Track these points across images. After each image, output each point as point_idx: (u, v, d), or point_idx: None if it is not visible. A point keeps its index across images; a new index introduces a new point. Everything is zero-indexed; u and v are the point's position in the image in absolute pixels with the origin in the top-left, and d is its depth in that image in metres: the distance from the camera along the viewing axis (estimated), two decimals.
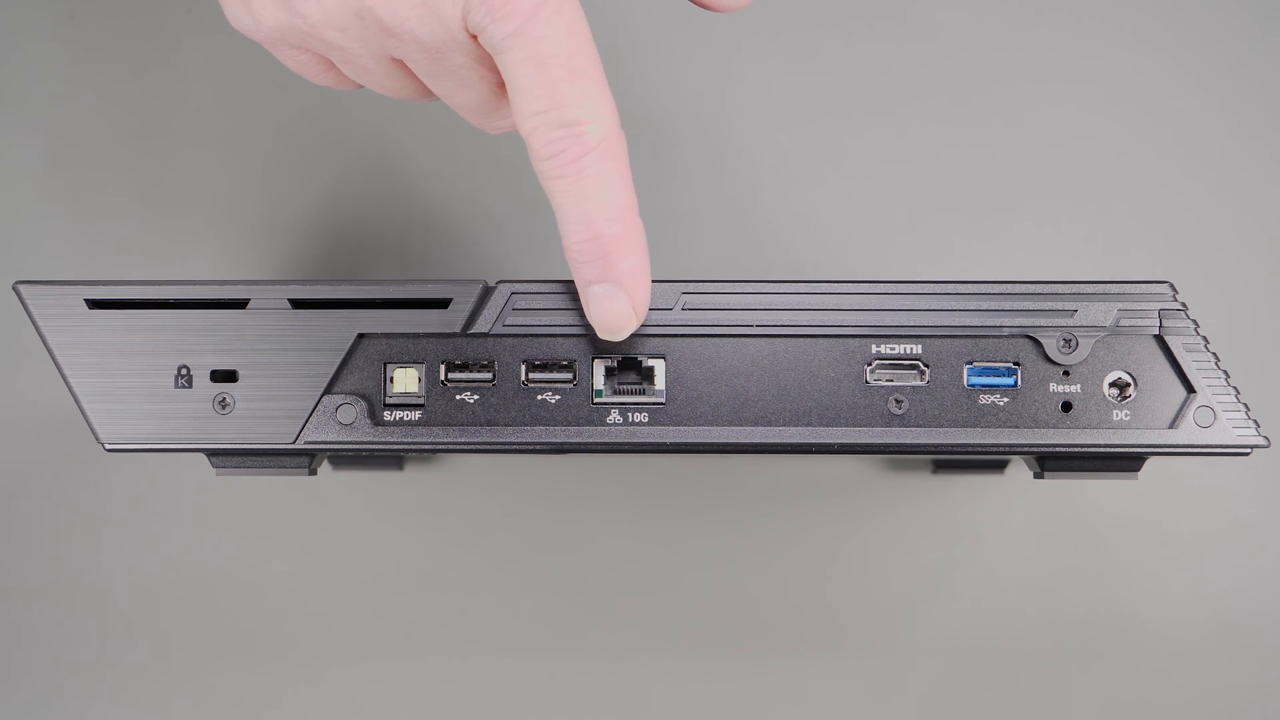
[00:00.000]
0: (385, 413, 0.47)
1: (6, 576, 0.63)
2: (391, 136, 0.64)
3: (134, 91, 0.64)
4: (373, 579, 0.63)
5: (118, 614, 0.63)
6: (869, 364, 0.47)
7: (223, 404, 0.47)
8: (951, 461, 0.61)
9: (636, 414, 0.47)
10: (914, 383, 0.47)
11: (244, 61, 0.63)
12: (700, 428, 0.47)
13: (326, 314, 0.47)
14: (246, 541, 0.63)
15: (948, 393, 0.47)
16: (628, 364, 0.48)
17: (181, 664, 0.63)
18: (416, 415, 0.47)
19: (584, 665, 0.63)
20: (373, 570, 0.63)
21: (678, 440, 0.47)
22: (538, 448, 0.47)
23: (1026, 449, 0.47)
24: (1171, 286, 0.47)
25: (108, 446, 0.47)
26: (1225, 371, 0.47)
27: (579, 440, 0.47)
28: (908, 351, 0.47)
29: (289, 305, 0.47)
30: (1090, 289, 0.47)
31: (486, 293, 0.47)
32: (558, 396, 0.47)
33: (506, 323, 0.47)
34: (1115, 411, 0.47)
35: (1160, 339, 0.47)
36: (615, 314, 0.45)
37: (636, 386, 0.48)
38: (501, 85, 0.46)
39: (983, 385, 0.47)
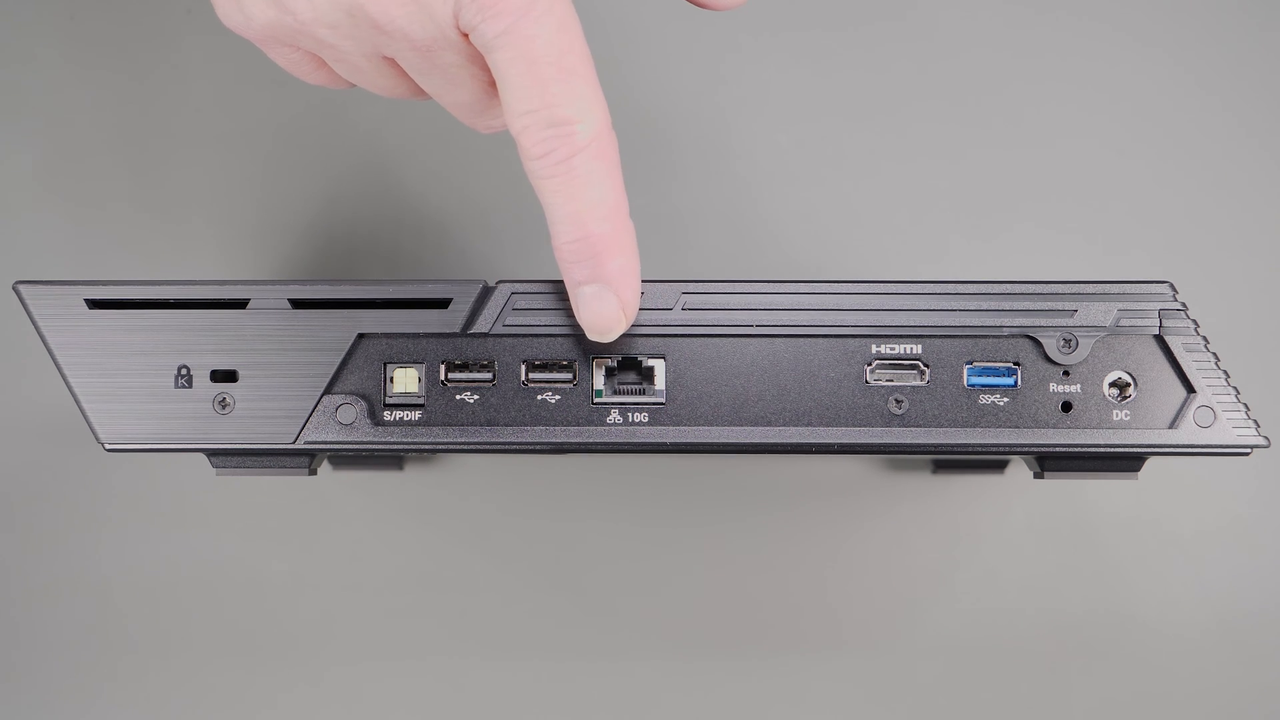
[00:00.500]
0: (385, 413, 0.47)
1: (6, 576, 0.63)
2: (391, 137, 0.64)
3: (134, 91, 0.64)
4: (373, 579, 0.63)
5: (118, 614, 0.63)
6: (869, 364, 0.47)
7: (223, 404, 0.47)
8: (951, 461, 0.61)
9: (636, 414, 0.47)
10: (914, 383, 0.47)
11: (244, 61, 0.63)
12: (700, 428, 0.47)
13: (326, 314, 0.47)
14: (246, 541, 0.63)
15: (948, 393, 0.47)
16: (628, 364, 0.48)
17: (181, 664, 0.63)
18: (416, 415, 0.47)
19: (584, 665, 0.63)
20: (373, 570, 0.63)
21: (678, 440, 0.47)
22: (538, 448, 0.47)
23: (1026, 449, 0.47)
24: (1171, 286, 0.47)
25: (108, 446, 0.47)
26: (1225, 371, 0.47)
27: (579, 440, 0.47)
28: (908, 351, 0.47)
29: (289, 305, 0.47)
30: (1090, 289, 0.47)
31: (486, 293, 0.47)
32: (558, 396, 0.47)
33: (506, 323, 0.47)
34: (1115, 411, 0.47)
35: (1160, 339, 0.47)
36: (604, 315, 0.45)
37: (636, 386, 0.48)
38: (493, 84, 0.45)
39: (983, 385, 0.47)
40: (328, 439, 0.47)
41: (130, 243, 0.63)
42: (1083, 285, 0.47)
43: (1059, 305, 0.47)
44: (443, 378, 0.47)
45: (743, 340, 0.47)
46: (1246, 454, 0.47)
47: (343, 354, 0.47)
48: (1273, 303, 0.63)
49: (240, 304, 0.47)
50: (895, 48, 0.64)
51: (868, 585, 0.63)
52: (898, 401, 0.47)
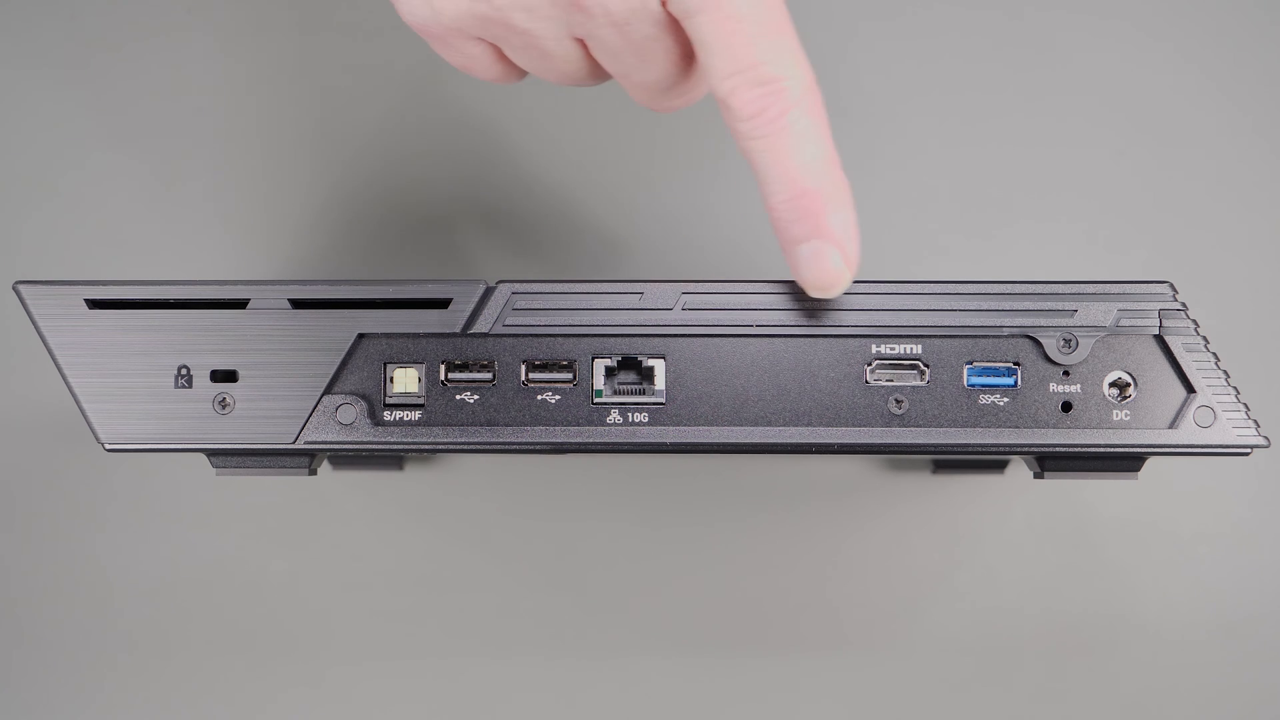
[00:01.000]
0: (385, 413, 0.47)
1: (6, 576, 0.63)
2: (392, 136, 0.64)
3: (134, 91, 0.64)
4: (373, 579, 0.63)
5: (118, 614, 0.63)
6: (869, 364, 0.47)
7: (223, 404, 0.47)
8: (951, 461, 0.61)
9: (636, 414, 0.47)
10: (914, 383, 0.47)
11: (244, 61, 0.63)
12: (700, 428, 0.47)
13: (326, 314, 0.47)
14: (246, 541, 0.63)
15: (948, 393, 0.47)
16: (627, 364, 0.48)
17: (181, 664, 0.63)
18: (416, 415, 0.47)
19: (584, 665, 0.63)
20: (373, 570, 0.63)
21: (678, 440, 0.47)
22: (538, 448, 0.47)
23: (1026, 449, 0.47)
24: (1171, 286, 0.47)
25: (108, 446, 0.47)
26: (1225, 371, 0.47)
27: (579, 440, 0.47)
28: (908, 351, 0.47)
29: (289, 305, 0.47)
30: (1090, 289, 0.47)
31: (487, 293, 0.47)
32: (558, 396, 0.47)
33: (506, 323, 0.47)
34: (1115, 411, 0.47)
35: (1160, 339, 0.47)
36: (828, 270, 0.45)
37: (636, 386, 0.48)
38: (684, 58, 0.45)
39: (983, 385, 0.47)
40: (328, 439, 0.47)
41: (130, 243, 0.63)
42: (1083, 285, 0.47)
43: (1059, 305, 0.47)
44: (443, 378, 0.47)
45: (743, 340, 0.47)
46: (1246, 454, 0.47)
47: (343, 354, 0.47)
48: (1273, 303, 0.63)
49: (240, 304, 0.47)
50: (895, 46, 0.64)
51: (868, 585, 0.63)
52: (898, 402, 0.47)
